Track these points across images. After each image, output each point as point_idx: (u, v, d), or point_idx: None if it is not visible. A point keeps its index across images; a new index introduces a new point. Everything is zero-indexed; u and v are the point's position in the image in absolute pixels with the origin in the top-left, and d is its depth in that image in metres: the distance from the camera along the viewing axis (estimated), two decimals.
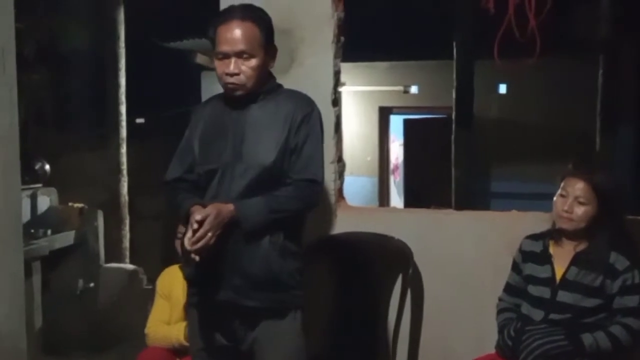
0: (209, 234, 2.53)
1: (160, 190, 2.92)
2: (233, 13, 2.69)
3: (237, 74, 2.66)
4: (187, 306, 2.97)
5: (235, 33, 2.64)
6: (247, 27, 2.65)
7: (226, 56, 2.66)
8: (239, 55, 2.65)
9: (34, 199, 5.38)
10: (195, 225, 2.52)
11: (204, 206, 2.59)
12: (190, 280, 2.83)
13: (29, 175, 5.25)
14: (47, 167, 5.63)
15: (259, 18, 2.70)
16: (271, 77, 2.81)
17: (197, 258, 2.55)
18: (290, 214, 2.68)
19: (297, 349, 2.77)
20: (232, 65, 2.65)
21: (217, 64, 2.70)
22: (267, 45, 2.71)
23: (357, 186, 8.94)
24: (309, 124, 2.71)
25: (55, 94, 7.31)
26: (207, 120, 2.82)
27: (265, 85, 2.74)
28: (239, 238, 2.62)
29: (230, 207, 2.59)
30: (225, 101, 2.79)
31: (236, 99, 2.72)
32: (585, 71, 7.91)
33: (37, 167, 5.56)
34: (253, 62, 2.66)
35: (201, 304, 2.80)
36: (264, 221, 2.62)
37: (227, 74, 2.67)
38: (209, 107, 2.88)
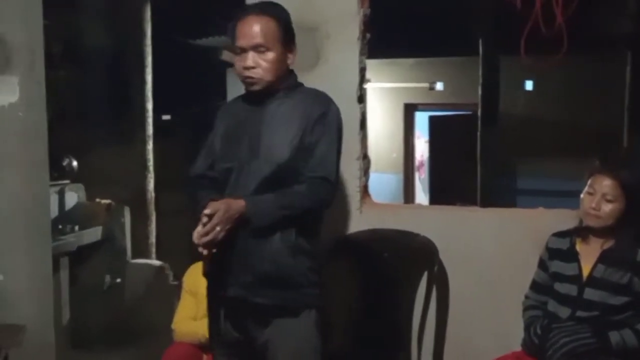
0: (217, 228, 2.52)
1: (183, 185, 2.94)
2: (251, 8, 2.73)
3: (254, 67, 2.67)
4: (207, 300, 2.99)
5: (252, 27, 2.66)
6: (263, 21, 2.66)
7: (244, 50, 2.68)
8: (256, 48, 2.66)
9: (61, 195, 5.41)
10: (205, 219, 2.52)
11: None
12: (207, 276, 2.85)
13: (57, 171, 5.29)
14: (75, 163, 5.66)
15: (276, 13, 2.71)
16: (292, 74, 2.81)
17: (204, 252, 2.56)
18: (302, 212, 2.64)
19: (311, 348, 2.72)
20: (250, 59, 2.66)
21: (236, 59, 2.72)
22: (284, 40, 2.70)
23: (382, 183, 8.90)
24: (324, 123, 2.68)
25: (82, 91, 7.36)
26: (230, 118, 2.84)
27: (284, 82, 2.74)
28: (251, 234, 2.61)
29: (241, 202, 2.58)
30: (246, 99, 2.81)
31: (255, 96, 2.74)
32: (613, 68, 7.84)
33: (64, 163, 5.59)
34: (270, 55, 2.66)
35: (216, 298, 2.82)
36: (274, 217, 2.60)
37: (244, 68, 2.68)
38: (232, 106, 2.90)
